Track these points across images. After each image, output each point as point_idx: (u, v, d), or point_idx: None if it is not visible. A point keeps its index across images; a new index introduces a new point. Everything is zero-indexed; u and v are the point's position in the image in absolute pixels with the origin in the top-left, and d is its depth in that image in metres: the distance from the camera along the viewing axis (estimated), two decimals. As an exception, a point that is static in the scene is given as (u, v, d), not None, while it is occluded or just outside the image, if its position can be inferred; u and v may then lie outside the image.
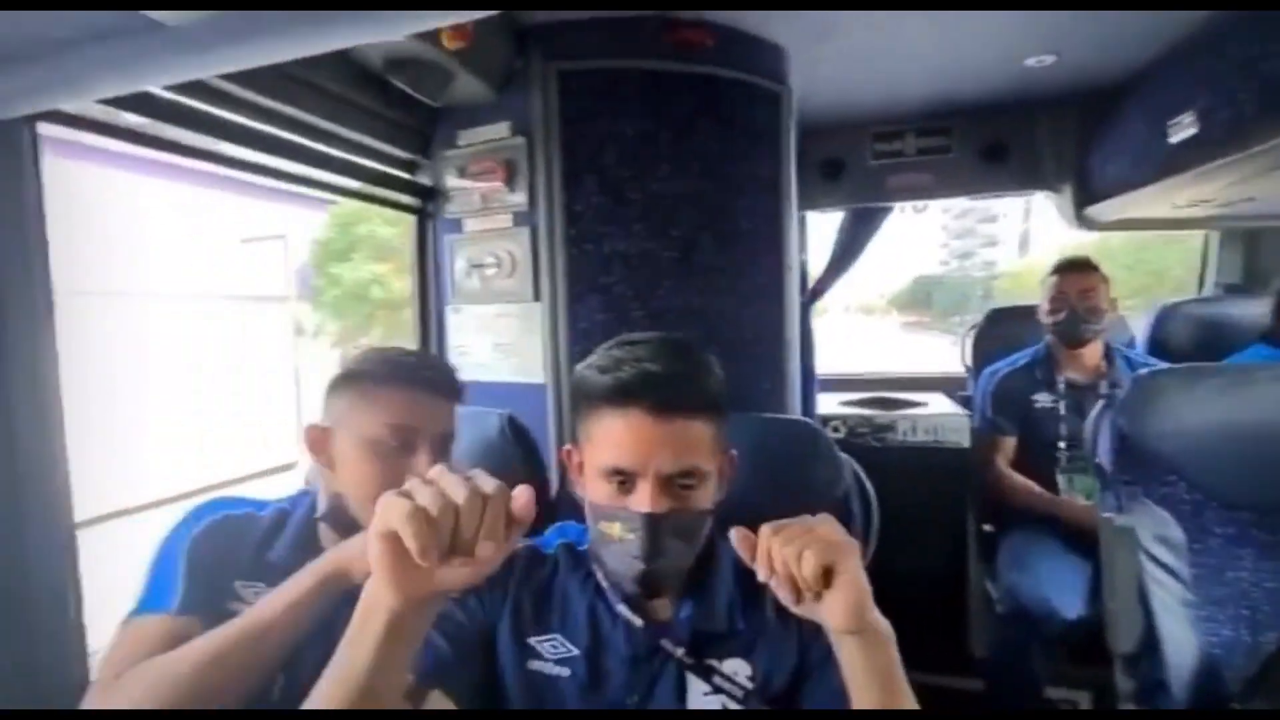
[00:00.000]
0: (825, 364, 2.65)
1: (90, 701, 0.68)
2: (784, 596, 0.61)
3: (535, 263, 1.50)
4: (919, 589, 1.94)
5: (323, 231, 8.24)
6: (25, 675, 0.84)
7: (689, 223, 1.49)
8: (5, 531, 0.82)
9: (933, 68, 1.84)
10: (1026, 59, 1.76)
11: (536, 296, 1.51)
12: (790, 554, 0.59)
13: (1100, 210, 2.06)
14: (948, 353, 2.75)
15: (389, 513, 0.49)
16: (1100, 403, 1.41)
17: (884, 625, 0.62)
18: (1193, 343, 2.17)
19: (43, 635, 0.86)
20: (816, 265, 2.74)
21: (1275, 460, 1.25)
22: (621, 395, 0.70)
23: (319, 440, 0.87)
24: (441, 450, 0.88)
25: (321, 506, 0.88)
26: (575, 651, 0.76)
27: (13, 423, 0.81)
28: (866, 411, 1.96)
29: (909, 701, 0.63)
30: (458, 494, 0.50)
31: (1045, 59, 1.75)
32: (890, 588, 1.93)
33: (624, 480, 0.71)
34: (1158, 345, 2.17)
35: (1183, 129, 1.52)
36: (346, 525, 0.84)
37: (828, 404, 2.35)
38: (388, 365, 0.87)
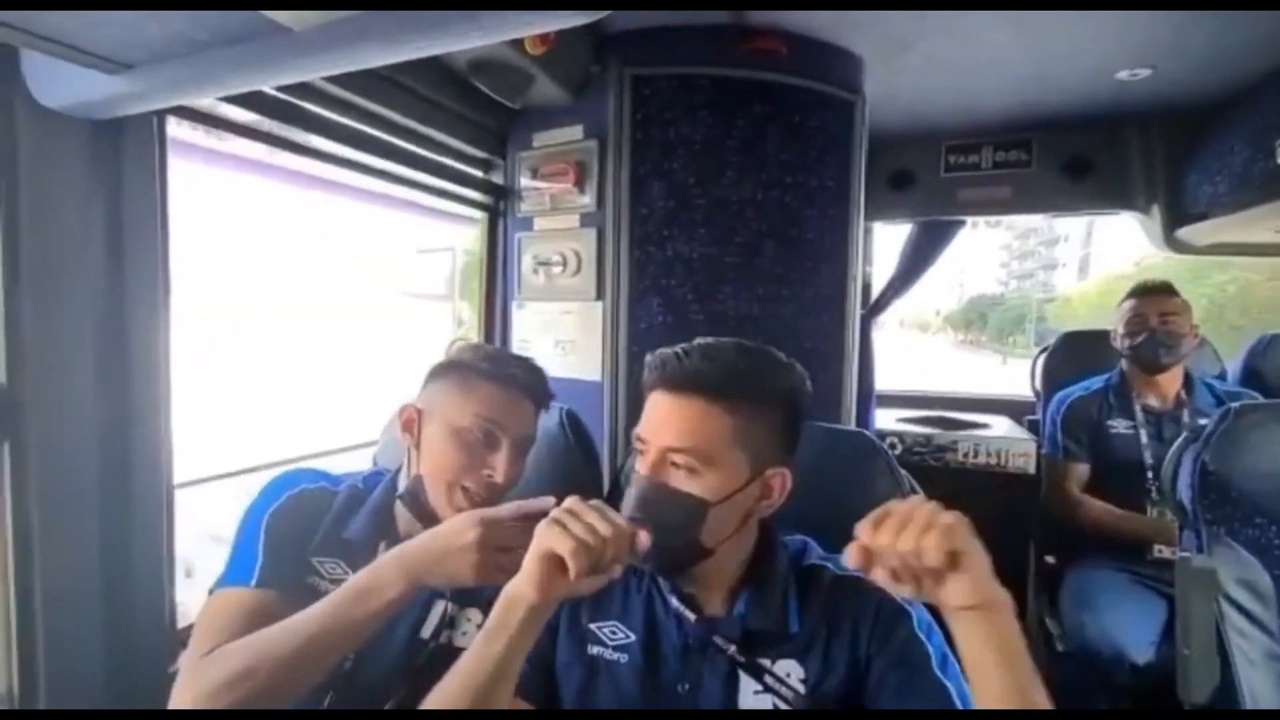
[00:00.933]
0: (882, 379, 2.59)
1: (184, 677, 0.72)
2: (902, 590, 0.62)
3: (600, 263, 1.53)
4: None
5: (475, 245, 9.09)
6: (123, 623, 0.92)
7: (753, 229, 1.49)
8: (114, 491, 0.90)
9: (1017, 78, 1.78)
10: (1119, 71, 1.68)
11: (599, 296, 1.54)
12: (908, 550, 0.59)
13: (1193, 233, 1.95)
14: (999, 373, 2.63)
15: (550, 538, 0.64)
16: (1184, 434, 1.33)
17: (1003, 593, 0.61)
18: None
19: (140, 587, 0.94)
20: (880, 278, 2.69)
21: (1383, 509, 1.16)
22: (651, 377, 0.77)
23: (412, 420, 0.91)
24: (521, 450, 0.91)
25: (401, 486, 0.92)
26: (632, 638, 0.79)
27: (128, 397, 0.89)
28: (927, 430, 1.91)
29: (1031, 669, 0.60)
30: (605, 529, 0.65)
31: (1140, 72, 1.67)
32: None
33: (642, 450, 0.76)
34: (1254, 377, 2.02)
35: (1293, 149, 1.42)
36: (422, 507, 0.88)
37: (884, 420, 2.30)
38: (489, 361, 0.91)
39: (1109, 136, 2.09)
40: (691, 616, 0.77)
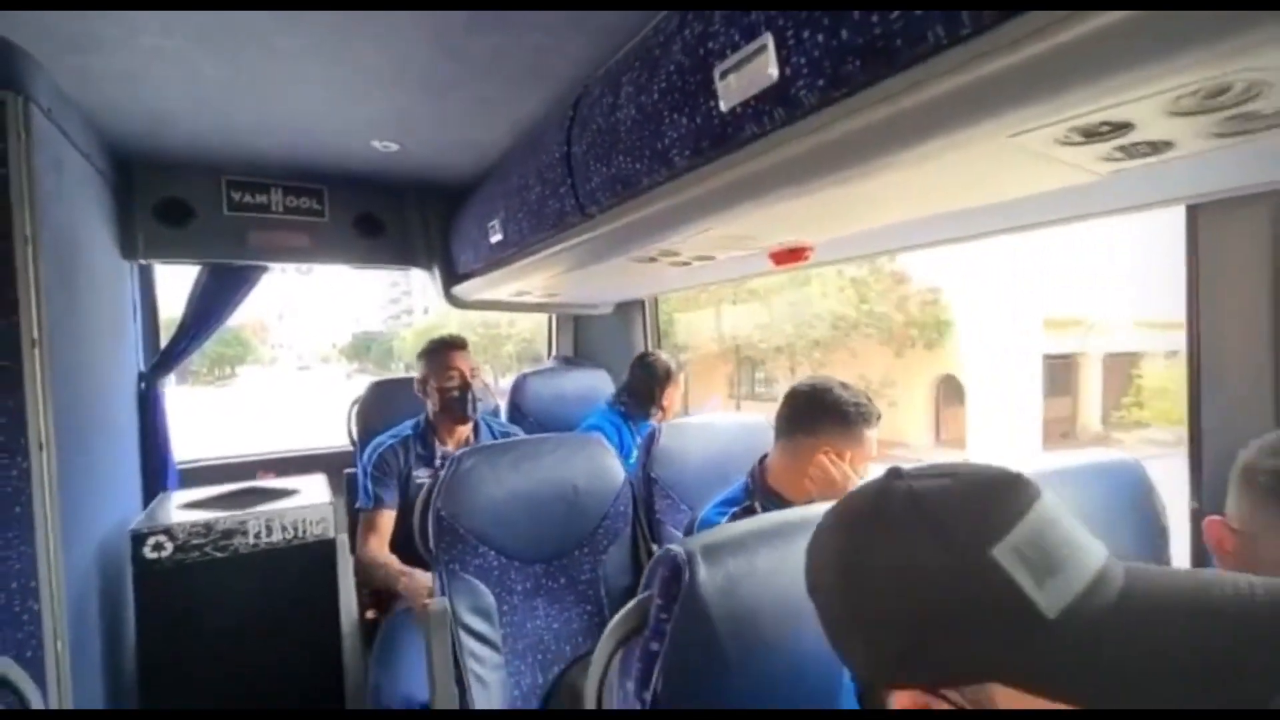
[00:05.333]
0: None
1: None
2: None
3: None
4: (300, 693, 1.69)
5: None
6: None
7: None
8: None
9: (280, 127, 1.67)
10: (373, 140, 1.77)
11: None
12: None
13: (462, 290, 2.29)
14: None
15: None
16: (425, 486, 1.46)
17: None
18: (542, 405, 2.60)
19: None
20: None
21: (553, 515, 1.51)
22: None
23: None
24: None
25: None
26: None
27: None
28: (205, 516, 1.59)
29: None
30: None
31: (390, 145, 1.80)
32: (266, 695, 1.56)
33: None
34: (516, 410, 2.52)
35: (495, 232, 1.77)
36: None
37: (181, 501, 1.86)
38: None
39: (394, 199, 2.25)
40: None
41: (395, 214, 2.25)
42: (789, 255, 1.28)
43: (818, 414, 1.22)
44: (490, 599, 1.40)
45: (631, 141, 1.08)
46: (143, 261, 1.94)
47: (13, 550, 1.14)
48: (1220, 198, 0.98)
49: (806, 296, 10.80)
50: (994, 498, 0.44)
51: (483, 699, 1.31)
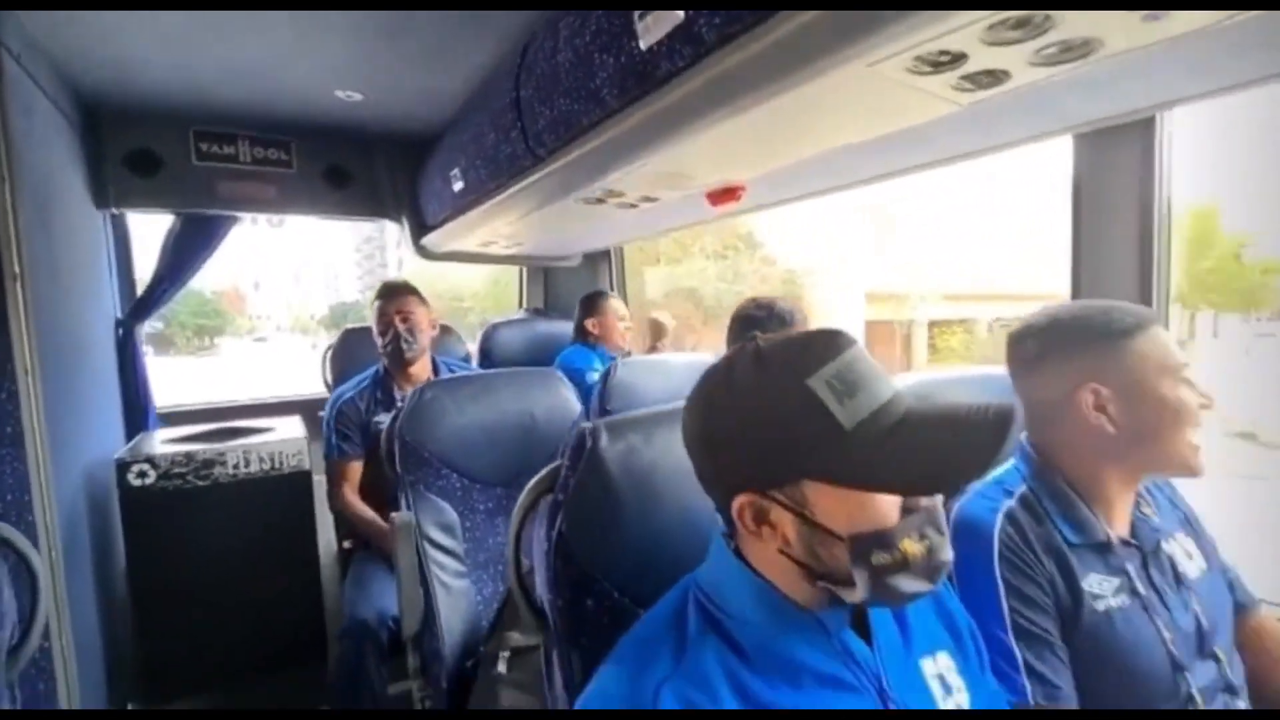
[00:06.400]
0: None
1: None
2: None
3: None
4: (281, 614, 1.83)
5: None
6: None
7: None
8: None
9: (244, 75, 1.72)
10: (336, 90, 1.83)
11: None
12: None
13: (431, 241, 2.36)
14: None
15: None
16: (390, 418, 1.57)
17: None
18: (511, 351, 2.70)
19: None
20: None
21: (513, 442, 1.62)
22: None
23: None
24: None
25: None
26: None
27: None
28: (186, 447, 1.69)
29: None
30: None
31: (353, 95, 1.86)
32: (251, 615, 1.67)
33: None
34: (485, 356, 2.61)
35: (456, 180, 1.84)
36: None
37: (163, 439, 1.95)
38: None
39: (361, 151, 2.30)
40: None
41: (363, 165, 2.31)
42: (723, 195, 1.38)
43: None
44: (453, 515, 1.53)
45: (570, 83, 1.16)
46: (114, 210, 1.99)
47: (6, 466, 1.23)
48: (1096, 127, 1.09)
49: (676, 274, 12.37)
50: (813, 344, 0.57)
51: (446, 604, 1.44)
